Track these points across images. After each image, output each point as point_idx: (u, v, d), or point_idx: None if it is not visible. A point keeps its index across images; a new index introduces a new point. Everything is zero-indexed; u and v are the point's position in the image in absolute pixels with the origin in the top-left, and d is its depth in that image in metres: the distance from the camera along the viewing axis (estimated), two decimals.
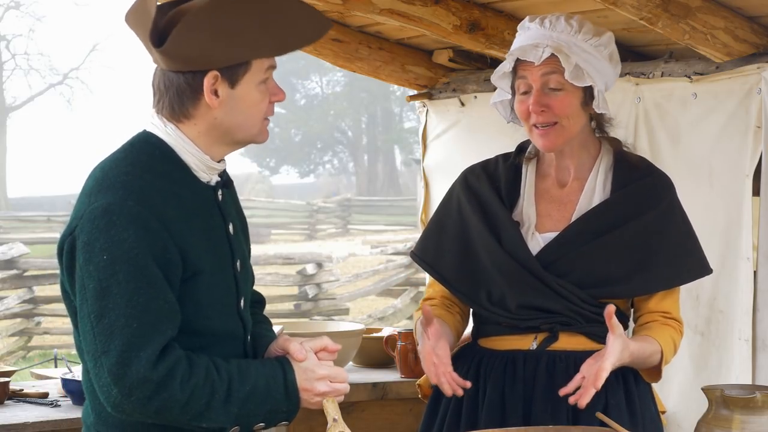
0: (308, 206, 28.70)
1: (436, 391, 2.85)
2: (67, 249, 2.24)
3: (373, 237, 24.82)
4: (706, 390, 2.68)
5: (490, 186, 2.86)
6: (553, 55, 2.71)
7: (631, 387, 2.79)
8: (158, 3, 2.26)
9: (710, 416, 2.65)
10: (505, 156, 2.94)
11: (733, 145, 3.72)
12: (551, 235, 2.78)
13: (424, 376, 2.93)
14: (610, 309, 2.58)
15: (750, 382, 3.59)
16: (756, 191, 3.68)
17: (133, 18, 2.29)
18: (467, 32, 3.98)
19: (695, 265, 2.85)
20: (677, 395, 3.93)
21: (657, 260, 2.77)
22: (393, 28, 4.34)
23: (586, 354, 2.69)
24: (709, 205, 3.81)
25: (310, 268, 14.69)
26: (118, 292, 2.17)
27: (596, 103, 2.76)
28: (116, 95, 70.90)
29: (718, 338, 3.80)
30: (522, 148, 2.94)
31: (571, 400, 2.57)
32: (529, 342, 2.77)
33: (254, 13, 2.24)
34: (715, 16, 3.49)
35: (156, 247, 2.20)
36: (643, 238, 2.76)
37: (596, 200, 2.81)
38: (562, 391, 2.59)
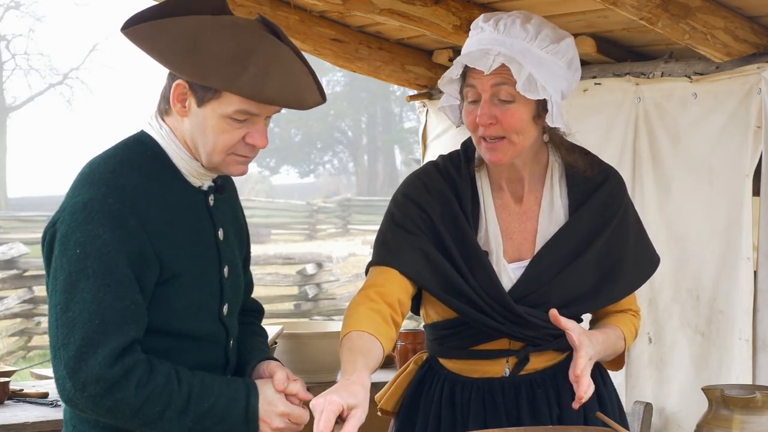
0: (308, 206, 28.69)
1: (407, 408, 2.78)
2: (47, 240, 2.25)
3: (373, 237, 24.68)
4: (706, 390, 2.68)
5: (454, 199, 2.67)
6: (504, 64, 2.51)
7: (601, 389, 2.76)
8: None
9: (710, 416, 2.65)
10: (453, 161, 2.74)
11: (733, 145, 3.72)
12: (519, 265, 2.67)
13: (385, 395, 2.87)
14: (554, 313, 2.53)
15: (750, 382, 3.59)
16: (756, 191, 3.68)
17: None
18: (467, 32, 3.97)
19: (651, 259, 2.80)
20: (677, 395, 3.93)
21: (621, 268, 2.71)
22: (393, 28, 4.34)
23: (558, 367, 2.70)
24: (709, 205, 3.82)
25: (310, 268, 14.69)
26: (86, 287, 2.17)
27: (550, 117, 2.58)
28: (116, 95, 70.92)
29: (718, 338, 3.80)
30: (467, 153, 2.74)
31: (575, 405, 2.51)
32: (501, 367, 2.70)
33: (244, 50, 2.20)
34: (715, 16, 3.49)
35: (131, 247, 2.20)
36: (607, 251, 2.69)
37: (556, 216, 2.69)
38: (576, 405, 2.51)
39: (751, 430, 2.57)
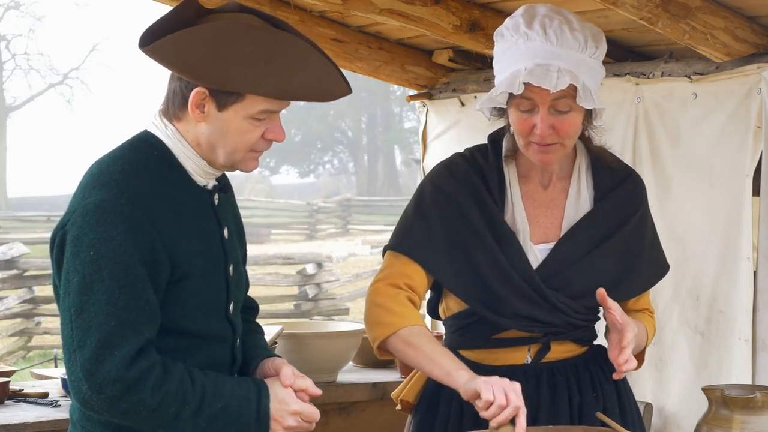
0: (308, 206, 28.70)
1: (428, 400, 2.79)
2: (57, 242, 2.25)
3: (373, 237, 24.82)
4: (706, 390, 2.68)
5: (481, 184, 2.73)
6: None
7: (619, 385, 2.80)
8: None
9: (710, 416, 2.65)
10: (480, 151, 2.80)
11: (733, 145, 3.72)
12: (545, 246, 2.73)
13: (406, 387, 2.89)
14: (601, 292, 2.59)
15: (750, 382, 3.59)
16: (756, 191, 3.68)
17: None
18: (467, 32, 3.98)
19: (663, 262, 2.90)
20: (677, 395, 3.93)
21: (639, 264, 2.78)
22: (393, 28, 4.34)
23: (579, 359, 2.75)
24: (709, 204, 3.82)
25: (310, 268, 14.69)
26: (101, 288, 2.16)
27: (597, 118, 2.70)
28: (116, 95, 70.86)
29: (718, 338, 3.80)
30: (495, 142, 2.80)
31: (616, 376, 2.60)
32: (522, 355, 2.73)
33: (265, 50, 2.22)
34: (715, 16, 3.49)
35: (144, 248, 2.20)
36: (627, 245, 2.76)
37: (582, 204, 2.76)
38: (616, 376, 2.61)
39: (751, 430, 2.57)
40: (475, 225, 2.70)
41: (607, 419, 2.56)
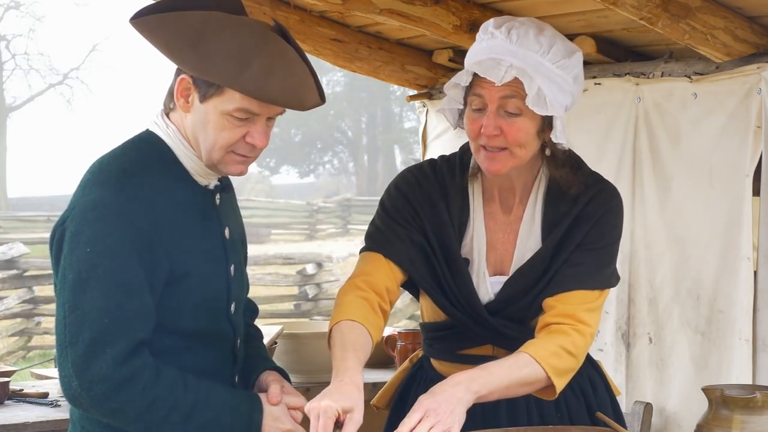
0: (308, 206, 28.70)
1: (397, 404, 2.80)
2: (57, 239, 2.25)
3: None
4: (706, 390, 2.68)
5: (443, 205, 2.66)
6: (515, 77, 2.48)
7: (590, 398, 2.75)
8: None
9: (710, 416, 2.65)
10: (449, 165, 2.72)
11: (733, 145, 3.72)
12: (498, 279, 2.66)
13: (378, 393, 2.90)
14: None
15: (750, 382, 3.59)
16: (756, 191, 3.68)
17: None
18: (467, 32, 3.98)
19: (603, 277, 2.63)
20: (677, 395, 3.93)
21: (565, 266, 2.62)
22: (393, 28, 4.34)
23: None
24: (709, 204, 3.82)
25: (310, 268, 14.70)
26: (96, 285, 2.16)
27: (554, 133, 2.55)
28: (116, 95, 70.93)
29: (718, 338, 3.80)
30: (463, 159, 2.73)
31: None
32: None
33: (248, 48, 2.21)
34: (715, 16, 3.49)
35: (142, 246, 2.20)
36: (570, 262, 2.61)
37: (534, 234, 2.65)
38: None
39: (751, 430, 2.58)
40: (432, 246, 2.65)
41: (607, 419, 2.56)
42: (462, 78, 2.55)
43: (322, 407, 2.24)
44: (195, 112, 2.28)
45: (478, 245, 2.67)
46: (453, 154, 2.76)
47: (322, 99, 2.33)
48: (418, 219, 2.67)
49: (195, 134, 2.30)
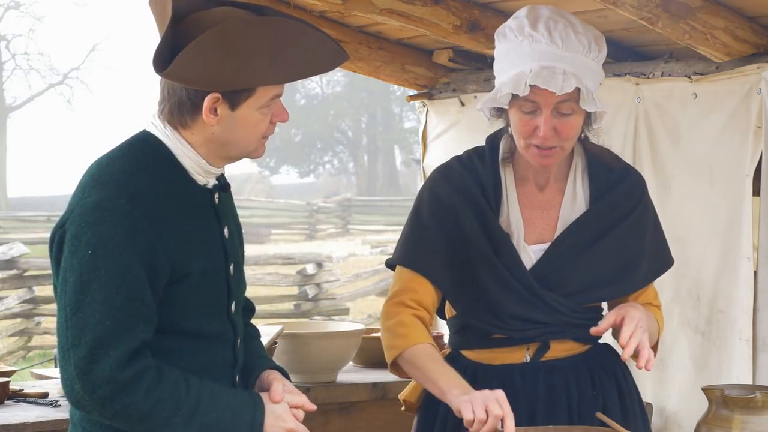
0: (308, 206, 28.68)
1: (429, 399, 2.80)
2: (56, 241, 2.25)
3: (373, 237, 24.81)
4: (706, 390, 2.68)
5: (477, 188, 2.74)
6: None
7: (621, 383, 2.81)
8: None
9: (710, 416, 2.65)
10: (478, 153, 2.81)
11: (733, 145, 3.72)
12: (540, 247, 2.74)
13: (409, 388, 2.92)
14: (594, 330, 2.60)
15: (750, 382, 3.59)
16: (756, 191, 3.68)
17: (153, 8, 2.30)
18: (467, 32, 3.99)
19: (665, 258, 2.88)
20: (677, 395, 3.94)
21: (637, 261, 2.78)
22: (393, 28, 4.34)
23: (579, 357, 2.75)
24: (709, 204, 3.82)
25: (310, 268, 14.69)
26: (98, 287, 2.16)
27: (597, 121, 2.69)
28: (116, 95, 70.96)
29: (718, 338, 3.80)
30: (493, 145, 2.81)
31: (639, 365, 2.54)
32: (521, 355, 2.74)
33: (264, 40, 2.23)
34: (715, 16, 3.49)
35: (143, 248, 2.20)
36: (624, 242, 2.75)
37: (578, 205, 2.76)
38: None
39: (751, 430, 2.58)
40: (470, 230, 2.72)
41: (607, 419, 2.56)
42: (519, 88, 2.57)
43: (494, 417, 2.40)
44: (226, 121, 2.29)
45: (516, 220, 2.74)
46: (480, 147, 2.84)
47: (345, 53, 2.36)
48: (451, 211, 2.73)
49: (224, 139, 2.31)
